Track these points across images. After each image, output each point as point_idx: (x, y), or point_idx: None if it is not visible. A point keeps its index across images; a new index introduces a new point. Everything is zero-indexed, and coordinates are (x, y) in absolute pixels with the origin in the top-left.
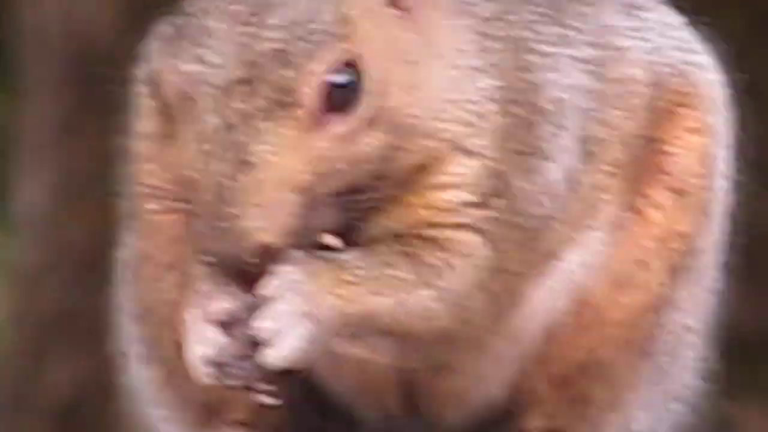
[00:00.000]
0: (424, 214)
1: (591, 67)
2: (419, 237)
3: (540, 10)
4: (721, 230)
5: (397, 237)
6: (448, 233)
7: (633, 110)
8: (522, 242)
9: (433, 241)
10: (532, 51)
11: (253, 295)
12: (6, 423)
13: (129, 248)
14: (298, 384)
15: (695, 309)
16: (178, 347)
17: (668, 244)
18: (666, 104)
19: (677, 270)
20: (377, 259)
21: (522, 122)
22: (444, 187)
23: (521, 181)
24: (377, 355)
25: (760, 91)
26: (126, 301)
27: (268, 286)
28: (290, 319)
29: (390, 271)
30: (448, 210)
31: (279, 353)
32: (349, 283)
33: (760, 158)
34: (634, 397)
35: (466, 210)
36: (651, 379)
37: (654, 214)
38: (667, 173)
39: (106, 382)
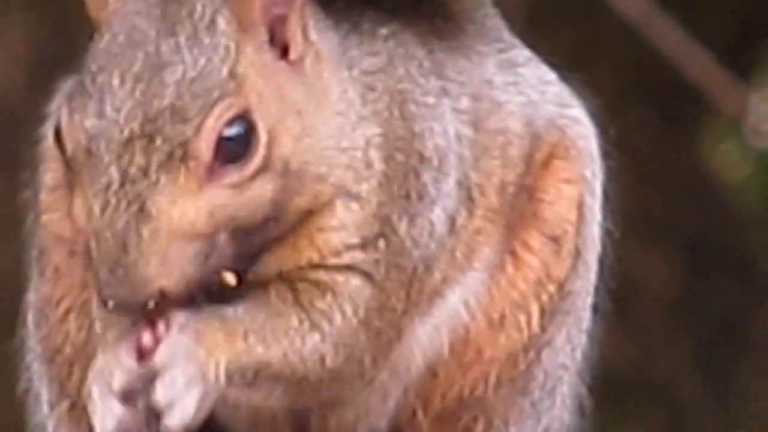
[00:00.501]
0: (311, 255)
1: (470, 118)
2: (307, 280)
3: (422, 63)
4: (593, 274)
5: (286, 280)
6: (335, 275)
7: (510, 160)
8: (405, 282)
9: (319, 285)
10: (413, 102)
11: (147, 364)
12: None
13: (35, 293)
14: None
15: (569, 348)
16: (83, 385)
17: (543, 287)
18: (542, 155)
19: (552, 312)
20: (267, 310)
21: (405, 168)
22: (330, 229)
23: (405, 225)
24: (271, 398)
25: (627, 143)
26: (35, 344)
27: (160, 355)
28: (183, 387)
29: (279, 320)
30: (333, 252)
31: (176, 419)
32: (239, 337)
33: (626, 207)
34: (515, 427)
35: (351, 252)
36: (528, 414)
37: (530, 259)
38: (543, 220)
39: (19, 420)
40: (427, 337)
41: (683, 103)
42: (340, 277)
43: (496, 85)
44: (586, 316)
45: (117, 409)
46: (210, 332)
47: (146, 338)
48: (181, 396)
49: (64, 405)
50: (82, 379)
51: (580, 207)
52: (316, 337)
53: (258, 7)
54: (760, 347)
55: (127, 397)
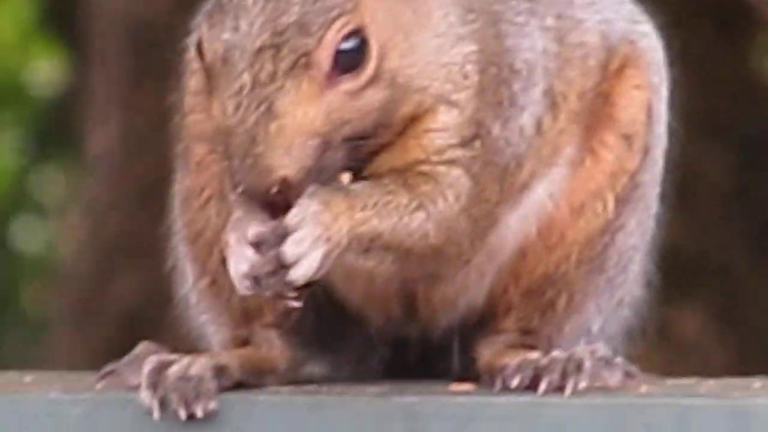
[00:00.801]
0: (418, 153)
1: (554, 34)
2: (415, 172)
3: None
4: (660, 167)
5: (397, 172)
6: (438, 168)
7: (588, 70)
8: (498, 176)
9: (426, 175)
10: (505, 21)
11: (280, 222)
12: (79, 328)
13: (181, 183)
14: (317, 290)
15: (639, 231)
16: (222, 263)
17: (617, 179)
18: (615, 65)
19: (624, 200)
20: (382, 189)
21: (498, 79)
22: (433, 131)
23: (497, 127)
24: (382, 266)
25: (689, 54)
26: (179, 227)
27: (292, 216)
28: (310, 244)
29: (392, 198)
30: (436, 151)
31: (301, 272)
32: (358, 209)
33: (688, 109)
34: (590, 303)
35: (452, 150)
36: (604, 288)
37: (606, 155)
38: (617, 121)
39: (163, 293)
40: (517, 224)
41: (735, 19)
42: (442, 169)
43: (577, 5)
44: (653, 204)
45: (250, 254)
46: (335, 202)
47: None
48: (307, 252)
49: (205, 281)
50: (218, 258)
51: (649, 109)
52: (421, 215)
53: None
54: None
55: (258, 246)
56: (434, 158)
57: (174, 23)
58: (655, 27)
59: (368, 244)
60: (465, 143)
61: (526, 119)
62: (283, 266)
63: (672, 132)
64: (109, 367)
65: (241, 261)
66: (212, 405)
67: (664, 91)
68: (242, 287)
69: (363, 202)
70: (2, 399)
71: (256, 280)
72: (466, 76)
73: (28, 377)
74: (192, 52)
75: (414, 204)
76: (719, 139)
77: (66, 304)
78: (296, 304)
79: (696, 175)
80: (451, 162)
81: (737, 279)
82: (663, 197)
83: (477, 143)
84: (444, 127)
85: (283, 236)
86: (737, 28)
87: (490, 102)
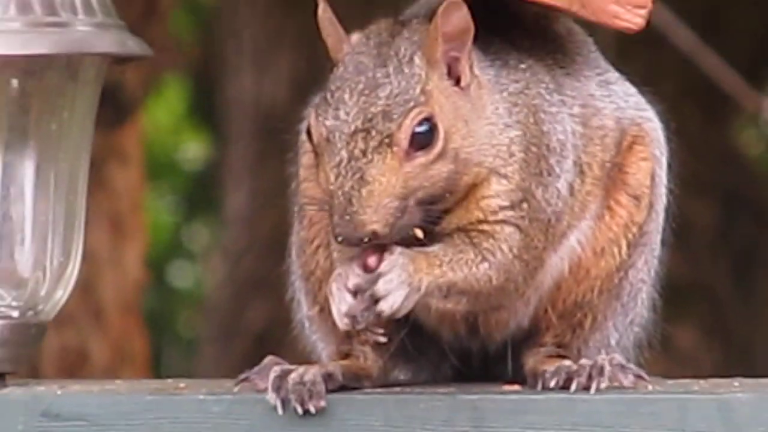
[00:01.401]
0: (477, 214)
1: (580, 120)
2: (476, 230)
3: (548, 85)
4: (661, 219)
5: (461, 231)
6: (494, 226)
7: (606, 146)
8: (543, 229)
9: (486, 233)
10: (542, 111)
11: (373, 272)
12: (221, 347)
13: (297, 235)
14: (401, 324)
15: (646, 268)
16: (328, 298)
17: (629, 229)
18: (627, 142)
19: (634, 245)
20: (453, 248)
21: (538, 156)
22: (489, 197)
23: (539, 192)
24: (459, 306)
25: (683, 132)
26: (296, 268)
27: (385, 265)
28: (396, 284)
29: (462, 255)
30: (492, 212)
31: (388, 305)
32: (436, 265)
33: (682, 174)
34: (609, 323)
35: (504, 211)
36: (620, 312)
37: (620, 211)
38: (628, 185)
39: (285, 318)
40: (555, 263)
41: (718, 104)
42: (498, 227)
43: (597, 97)
44: (657, 247)
45: (349, 299)
46: (418, 259)
47: (371, 259)
48: (393, 290)
49: (316, 309)
50: (325, 293)
51: (653, 175)
52: (485, 266)
53: (441, 51)
54: None
55: (355, 293)
56: (491, 218)
57: (291, 111)
58: (657, 111)
59: (447, 292)
60: (514, 206)
61: (561, 185)
62: (375, 301)
63: (670, 191)
64: (243, 375)
65: (342, 304)
66: (322, 403)
67: (664, 161)
68: (342, 324)
69: (440, 260)
70: (163, 399)
71: (353, 318)
72: (512, 155)
73: (182, 383)
74: (304, 135)
75: (479, 258)
76: (707, 196)
77: (211, 328)
78: (382, 339)
79: (689, 223)
80: (504, 221)
81: (721, 302)
82: (664, 241)
83: (524, 205)
84: (497, 193)
85: (375, 280)
86: (720, 111)
87: (532, 173)
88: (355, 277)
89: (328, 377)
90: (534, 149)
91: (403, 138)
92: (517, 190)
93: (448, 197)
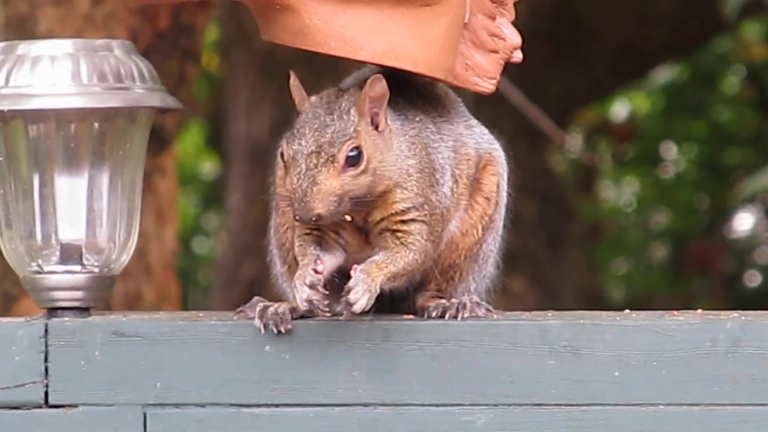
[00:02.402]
0: (391, 211)
1: (453, 149)
2: (399, 230)
3: (432, 129)
4: (503, 211)
5: (388, 231)
6: (410, 226)
7: (470, 165)
8: (439, 220)
9: (405, 231)
10: (430, 146)
11: (320, 274)
12: (226, 290)
13: (274, 220)
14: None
15: (494, 243)
16: (295, 261)
17: (483, 218)
18: (482, 164)
19: (486, 228)
20: (388, 251)
21: (429, 173)
22: (396, 202)
23: (434, 196)
24: (400, 284)
25: (515, 157)
26: (274, 241)
27: (351, 282)
28: (362, 294)
29: (395, 252)
30: (402, 212)
31: (360, 307)
32: (382, 266)
33: (515, 182)
34: (470, 277)
35: (411, 212)
36: (477, 270)
37: (477, 207)
38: (483, 191)
39: (267, 273)
40: (444, 239)
41: (539, 139)
42: (412, 226)
43: (464, 135)
44: (500, 228)
45: (307, 291)
46: (370, 268)
47: (318, 265)
48: (360, 297)
49: (285, 267)
50: (293, 259)
51: (498, 184)
52: (412, 254)
53: (367, 108)
54: (575, 243)
55: (311, 286)
56: (404, 218)
57: (270, 143)
58: (501, 144)
59: (393, 279)
60: (417, 207)
61: (446, 190)
62: (348, 304)
63: (508, 194)
64: (239, 309)
65: (303, 293)
66: (289, 326)
67: (505, 175)
68: (302, 306)
69: (384, 263)
70: (189, 323)
71: (310, 302)
72: (410, 174)
73: (201, 314)
74: (278, 157)
75: (406, 251)
76: (531, 196)
77: (219, 279)
78: (327, 313)
79: (520, 213)
80: (413, 220)
81: (540, 263)
82: (504, 225)
83: (425, 206)
84: (401, 199)
85: (348, 292)
86: (539, 143)
87: (426, 185)
88: (310, 276)
89: (293, 310)
90: (426, 170)
91: (341, 158)
92: (416, 197)
93: (368, 198)
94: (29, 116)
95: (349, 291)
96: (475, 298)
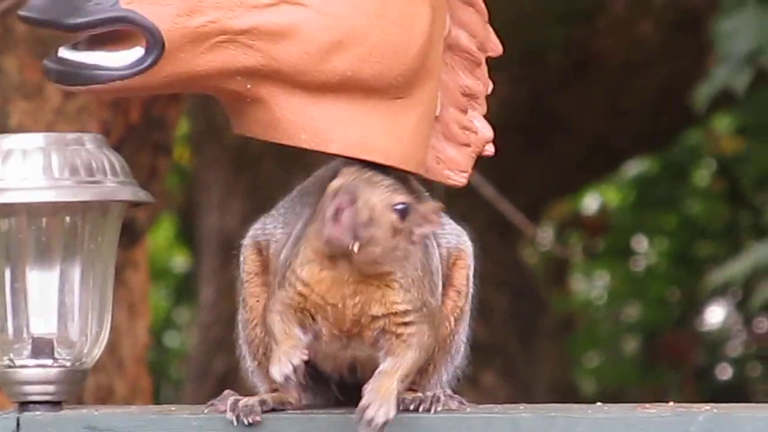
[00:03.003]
0: (393, 314)
1: (439, 254)
2: (399, 333)
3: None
4: (470, 303)
5: (388, 332)
6: (410, 327)
7: (444, 264)
8: (433, 315)
9: (407, 333)
10: (428, 250)
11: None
12: (197, 384)
13: (242, 315)
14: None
15: (464, 332)
16: (264, 357)
17: (454, 311)
18: (453, 260)
19: (458, 320)
20: (396, 356)
21: (427, 277)
22: (398, 303)
23: (429, 298)
24: (405, 385)
25: (485, 249)
26: (243, 337)
27: (365, 400)
28: (377, 410)
29: (404, 355)
30: (403, 313)
31: (383, 420)
32: (393, 374)
33: (482, 275)
34: (443, 368)
35: (411, 314)
36: (449, 361)
37: (449, 301)
38: (454, 285)
39: (237, 368)
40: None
41: (511, 232)
42: (413, 328)
43: (438, 235)
44: (468, 320)
45: (289, 369)
46: (381, 380)
47: (305, 356)
48: (377, 415)
49: (255, 363)
50: (264, 354)
51: (467, 278)
52: (416, 352)
53: (412, 221)
54: (547, 336)
55: (295, 370)
56: (401, 319)
57: (239, 237)
58: (470, 238)
59: (403, 381)
60: (416, 310)
61: (437, 293)
62: (367, 421)
63: (475, 285)
64: (210, 402)
65: (285, 368)
66: (258, 418)
67: (472, 266)
68: (279, 378)
69: (394, 369)
70: (161, 416)
71: (287, 380)
72: (413, 280)
73: (173, 407)
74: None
75: (411, 351)
76: (503, 288)
77: (190, 373)
78: (294, 397)
79: (491, 305)
80: (414, 322)
81: (511, 355)
82: (473, 316)
83: (423, 308)
84: (402, 301)
85: (364, 410)
86: (511, 236)
87: (426, 288)
88: (297, 358)
89: (263, 403)
90: (427, 276)
91: (393, 201)
92: (416, 299)
93: (374, 262)
94: (1, 210)
95: (364, 409)
96: (448, 392)
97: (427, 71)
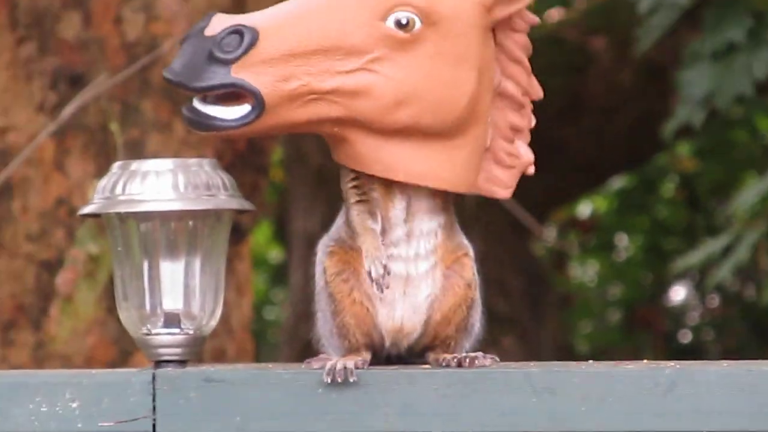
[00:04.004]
0: None
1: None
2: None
3: None
4: (478, 291)
5: None
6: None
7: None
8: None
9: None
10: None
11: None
12: (289, 348)
13: (323, 312)
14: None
15: (478, 318)
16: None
17: (466, 300)
18: (459, 256)
19: (470, 306)
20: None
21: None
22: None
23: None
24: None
25: (505, 245)
26: (331, 329)
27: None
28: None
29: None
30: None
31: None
32: None
33: (503, 261)
34: (463, 342)
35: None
36: (466, 337)
37: (460, 291)
38: (463, 276)
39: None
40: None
41: (523, 232)
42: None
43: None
44: (480, 305)
45: (351, 365)
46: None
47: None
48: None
49: (346, 344)
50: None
51: (474, 272)
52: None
53: None
54: (551, 309)
55: (355, 367)
56: None
57: (320, 234)
58: (472, 243)
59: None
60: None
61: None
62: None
63: (483, 281)
64: (306, 360)
65: (349, 363)
66: (354, 378)
67: (475, 265)
68: (327, 379)
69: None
70: (262, 372)
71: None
72: None
73: (271, 365)
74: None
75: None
76: (517, 276)
77: (284, 338)
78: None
79: (507, 286)
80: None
81: (525, 324)
82: (483, 301)
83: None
84: None
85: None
86: (523, 235)
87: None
88: (359, 362)
89: (356, 366)
90: None
91: None
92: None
93: None
94: (140, 217)
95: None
96: (479, 354)
97: (476, 117)
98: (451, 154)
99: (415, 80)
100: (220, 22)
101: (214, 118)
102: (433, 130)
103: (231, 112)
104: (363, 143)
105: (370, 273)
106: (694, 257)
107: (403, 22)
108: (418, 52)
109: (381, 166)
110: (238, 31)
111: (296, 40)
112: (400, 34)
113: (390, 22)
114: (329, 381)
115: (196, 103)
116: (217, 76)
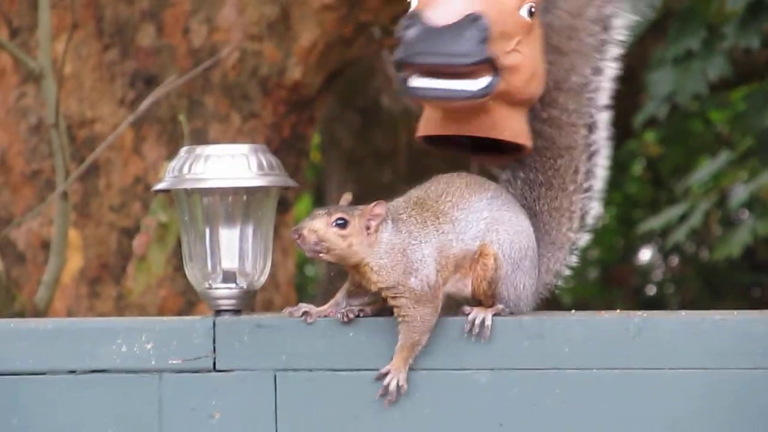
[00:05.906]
0: (379, 290)
1: (437, 250)
2: (392, 305)
3: (417, 238)
4: (506, 269)
5: (384, 296)
6: (395, 300)
7: (457, 256)
8: (414, 292)
9: (395, 305)
10: (408, 249)
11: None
12: (323, 297)
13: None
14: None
15: (508, 282)
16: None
17: (485, 276)
18: (479, 251)
19: (491, 281)
20: (400, 336)
21: (402, 266)
22: (374, 282)
23: (404, 279)
24: (424, 342)
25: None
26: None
27: (389, 376)
28: (393, 380)
29: (402, 334)
30: (384, 289)
31: (396, 387)
32: (402, 352)
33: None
34: (504, 295)
35: (390, 290)
36: (506, 292)
37: (411, 280)
38: (482, 260)
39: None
40: (461, 288)
41: None
42: (398, 301)
43: (453, 241)
44: (512, 277)
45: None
46: (396, 358)
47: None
48: (393, 384)
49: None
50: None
51: (495, 259)
52: (411, 325)
53: (366, 216)
54: None
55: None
56: (385, 293)
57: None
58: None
59: (413, 349)
60: (392, 287)
61: (419, 275)
62: (385, 388)
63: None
64: (286, 309)
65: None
66: (351, 315)
67: (498, 256)
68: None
69: (401, 346)
70: (300, 319)
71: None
72: (382, 267)
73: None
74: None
75: (405, 326)
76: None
77: (321, 291)
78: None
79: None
80: (394, 296)
81: None
82: (523, 270)
83: (400, 286)
84: (377, 281)
85: (382, 378)
86: None
87: (400, 272)
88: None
89: (360, 310)
90: (399, 264)
91: (332, 218)
92: (387, 281)
93: (344, 260)
94: (203, 192)
95: (383, 377)
96: (491, 311)
97: None
98: (525, 117)
99: (536, 59)
100: (446, 13)
101: (447, 90)
102: (528, 100)
103: (467, 84)
104: (499, 113)
105: None
106: (656, 222)
107: (533, 10)
108: (534, 36)
109: (510, 132)
110: (474, 17)
111: (498, 22)
112: (529, 20)
113: (523, 11)
114: (341, 318)
115: (414, 81)
116: (478, 53)
